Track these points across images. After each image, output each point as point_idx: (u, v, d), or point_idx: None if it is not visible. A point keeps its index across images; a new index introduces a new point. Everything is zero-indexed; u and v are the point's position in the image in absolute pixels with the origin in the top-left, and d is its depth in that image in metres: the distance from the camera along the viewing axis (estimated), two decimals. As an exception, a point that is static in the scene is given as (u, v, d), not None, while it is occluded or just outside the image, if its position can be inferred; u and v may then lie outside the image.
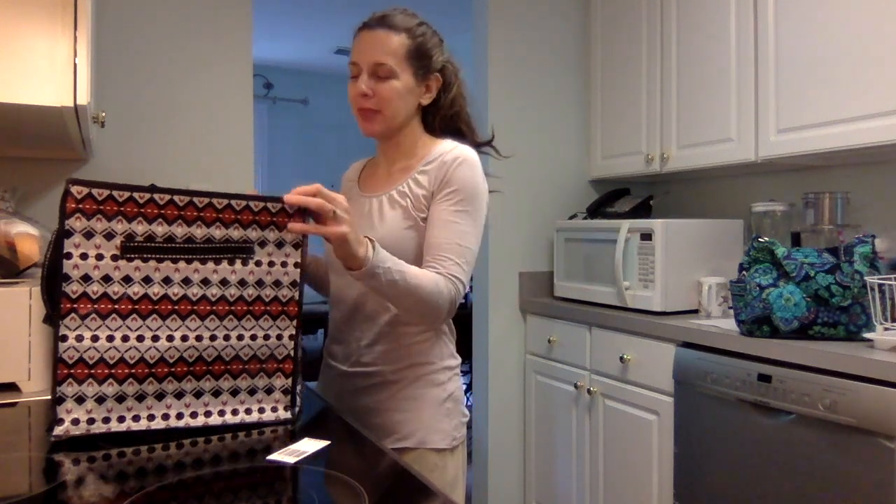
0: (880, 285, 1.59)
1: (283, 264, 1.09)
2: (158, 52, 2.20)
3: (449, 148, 1.27)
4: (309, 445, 0.97)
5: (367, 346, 1.28)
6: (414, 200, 1.25)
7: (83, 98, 1.27)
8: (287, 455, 0.93)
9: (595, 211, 2.68)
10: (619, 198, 2.70)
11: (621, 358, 2.19)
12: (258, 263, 1.08)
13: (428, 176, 1.25)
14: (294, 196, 1.04)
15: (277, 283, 1.09)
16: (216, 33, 2.28)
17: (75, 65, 1.26)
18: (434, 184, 1.24)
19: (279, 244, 1.09)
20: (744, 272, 1.83)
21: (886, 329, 1.58)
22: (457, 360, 1.35)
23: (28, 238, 1.46)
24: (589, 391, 2.34)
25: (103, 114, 1.74)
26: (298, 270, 1.10)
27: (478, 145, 1.36)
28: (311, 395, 1.28)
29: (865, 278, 1.63)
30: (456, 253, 1.21)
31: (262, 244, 1.08)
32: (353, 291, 1.28)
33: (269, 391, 1.09)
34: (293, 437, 1.02)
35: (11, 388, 1.29)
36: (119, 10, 2.14)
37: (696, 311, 2.21)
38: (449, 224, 1.22)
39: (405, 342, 1.28)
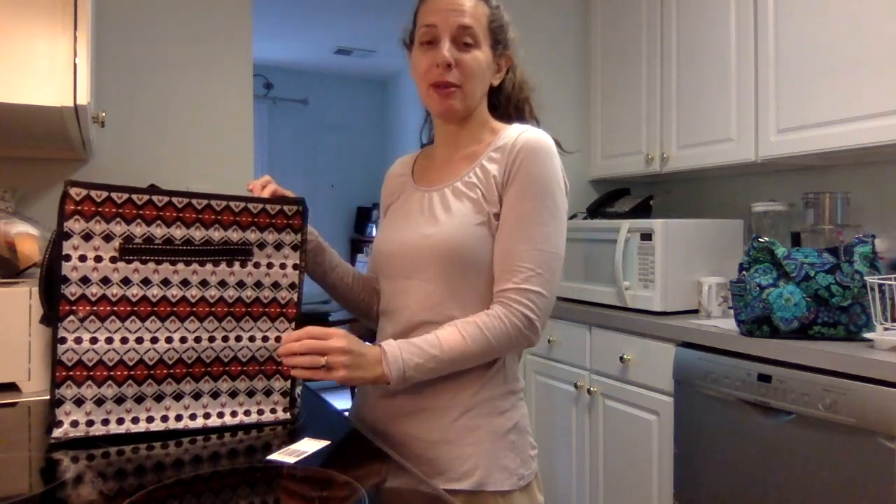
0: (880, 285, 1.59)
1: (282, 266, 1.10)
2: (158, 52, 2.20)
3: (518, 132, 1.09)
4: (309, 445, 0.96)
5: None
6: (486, 191, 1.07)
7: (83, 98, 1.27)
8: (287, 455, 0.93)
9: (595, 211, 2.68)
10: (619, 198, 2.69)
11: (621, 358, 2.19)
12: (257, 265, 1.08)
13: (497, 164, 1.08)
14: (286, 358, 0.97)
15: (276, 285, 1.09)
16: (216, 33, 2.28)
17: (75, 65, 1.26)
18: (504, 173, 1.06)
19: (278, 246, 1.09)
20: (744, 272, 1.83)
21: (886, 329, 1.58)
22: (521, 384, 1.14)
23: (28, 238, 1.46)
24: (589, 391, 2.34)
25: (103, 114, 1.74)
26: (297, 272, 1.10)
27: None
28: (311, 396, 1.28)
29: (865, 278, 1.63)
30: (534, 261, 1.03)
31: (261, 246, 1.08)
32: (410, 300, 1.10)
33: (267, 393, 1.09)
34: (293, 437, 1.02)
35: (11, 388, 1.29)
36: (119, 10, 2.14)
37: (696, 311, 2.21)
38: (524, 225, 1.04)
39: None
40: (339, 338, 0.96)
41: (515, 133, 1.09)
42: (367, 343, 1.01)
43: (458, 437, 1.05)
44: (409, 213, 1.15)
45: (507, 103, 1.20)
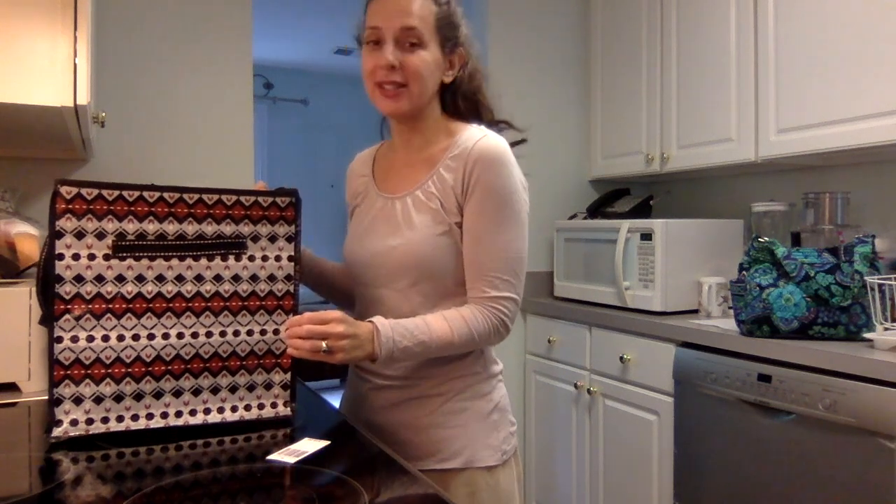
0: (880, 285, 1.59)
1: (277, 258, 1.09)
2: (158, 52, 2.20)
3: (475, 139, 1.10)
4: (309, 445, 0.97)
5: None
6: (444, 201, 1.10)
7: (83, 98, 1.27)
8: (287, 455, 0.93)
9: (595, 211, 2.68)
10: (619, 198, 2.69)
11: (621, 358, 2.19)
12: (251, 258, 1.08)
13: (454, 173, 1.10)
14: (289, 341, 0.99)
15: (272, 278, 1.09)
16: (216, 33, 2.28)
17: (75, 65, 1.26)
18: (460, 183, 1.09)
19: (272, 238, 1.09)
20: (744, 272, 1.83)
21: (886, 329, 1.58)
22: (499, 366, 1.22)
23: (28, 238, 1.46)
24: (589, 391, 2.34)
25: (103, 114, 1.74)
26: (293, 264, 1.10)
27: (494, 123, 1.21)
28: (311, 396, 1.28)
29: (865, 278, 1.63)
30: (501, 269, 1.09)
31: (255, 239, 1.08)
32: (384, 309, 1.12)
33: (267, 387, 1.09)
34: (293, 437, 1.02)
35: (11, 388, 1.29)
36: (119, 10, 2.14)
37: (696, 311, 2.21)
38: (487, 236, 1.08)
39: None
40: (337, 322, 0.99)
41: (472, 140, 1.10)
42: (359, 322, 1.04)
43: (445, 420, 1.13)
44: (375, 221, 1.18)
45: (456, 96, 1.18)
